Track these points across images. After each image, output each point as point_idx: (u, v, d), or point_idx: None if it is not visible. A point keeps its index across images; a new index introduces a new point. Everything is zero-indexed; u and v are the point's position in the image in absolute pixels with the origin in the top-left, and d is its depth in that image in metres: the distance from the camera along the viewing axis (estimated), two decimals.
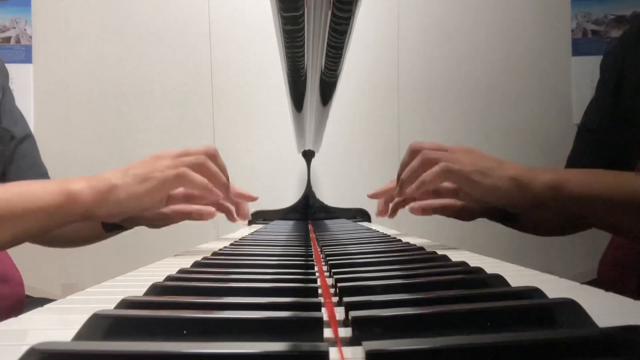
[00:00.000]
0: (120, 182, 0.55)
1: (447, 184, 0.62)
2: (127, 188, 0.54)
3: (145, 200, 0.55)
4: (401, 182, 0.60)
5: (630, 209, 0.54)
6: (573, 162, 0.99)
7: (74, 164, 1.41)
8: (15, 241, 0.54)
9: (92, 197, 0.53)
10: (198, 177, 0.56)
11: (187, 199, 0.63)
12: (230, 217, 0.69)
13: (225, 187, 0.59)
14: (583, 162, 0.96)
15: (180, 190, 0.61)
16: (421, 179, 0.57)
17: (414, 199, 0.86)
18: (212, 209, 0.66)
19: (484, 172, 0.57)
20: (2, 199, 0.51)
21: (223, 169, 0.60)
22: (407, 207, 0.82)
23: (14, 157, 0.93)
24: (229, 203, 0.67)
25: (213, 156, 0.59)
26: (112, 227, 0.68)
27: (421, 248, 0.52)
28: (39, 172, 0.99)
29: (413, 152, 0.60)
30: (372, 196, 0.85)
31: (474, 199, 0.60)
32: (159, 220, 0.67)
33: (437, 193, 0.64)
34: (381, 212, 0.84)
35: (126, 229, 0.70)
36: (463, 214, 0.69)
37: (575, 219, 0.69)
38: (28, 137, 0.97)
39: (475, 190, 0.57)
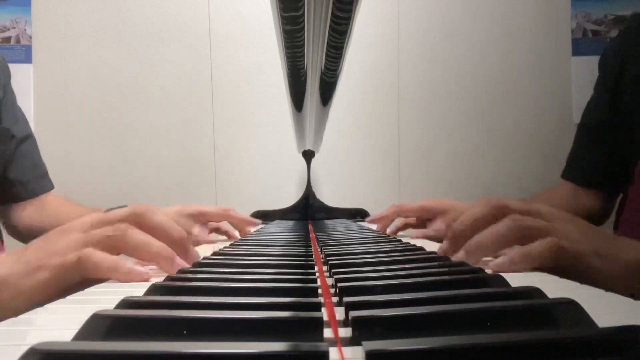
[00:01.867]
0: (7, 273, 0.39)
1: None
2: (12, 283, 0.39)
3: (36, 298, 0.38)
4: (471, 247, 0.43)
5: None
6: (573, 160, 0.99)
7: (74, 164, 1.41)
8: None
9: None
10: (106, 260, 0.39)
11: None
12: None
13: (157, 257, 0.42)
14: (583, 160, 0.96)
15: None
16: (521, 255, 0.41)
17: (411, 224, 0.86)
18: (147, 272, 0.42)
19: (601, 255, 0.42)
20: None
21: (161, 228, 0.44)
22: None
23: (15, 156, 0.93)
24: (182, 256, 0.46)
25: (140, 216, 0.43)
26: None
27: (421, 248, 0.52)
28: (39, 172, 0.99)
29: (495, 208, 0.44)
30: (372, 222, 0.86)
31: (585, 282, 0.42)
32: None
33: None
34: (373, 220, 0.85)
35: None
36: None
37: None
38: (29, 136, 0.97)
39: (588, 276, 0.41)
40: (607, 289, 0.42)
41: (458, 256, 0.44)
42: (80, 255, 0.39)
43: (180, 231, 0.45)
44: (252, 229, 0.85)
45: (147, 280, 0.40)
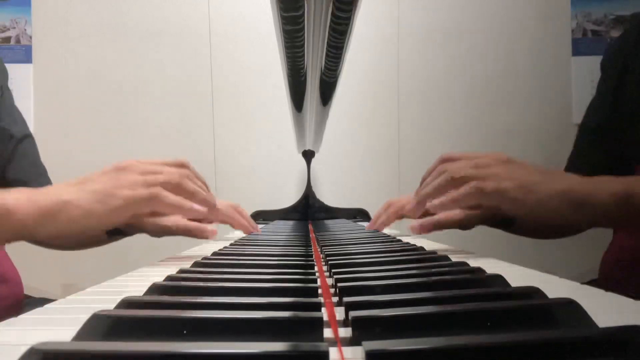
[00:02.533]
0: (74, 197, 0.46)
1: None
2: (82, 205, 0.46)
3: (106, 221, 0.48)
4: (420, 198, 0.53)
5: None
6: (574, 161, 0.99)
7: (74, 164, 1.41)
8: None
9: (32, 214, 0.44)
10: (172, 198, 0.48)
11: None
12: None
13: (206, 203, 0.52)
14: (584, 161, 0.96)
15: None
16: (449, 198, 0.50)
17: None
18: (214, 228, 0.59)
19: (528, 188, 0.47)
20: None
21: (200, 181, 0.54)
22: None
23: (13, 157, 0.93)
24: (215, 217, 0.61)
25: (186, 169, 0.53)
26: (114, 232, 0.66)
27: (421, 248, 0.52)
28: (38, 172, 0.99)
29: (440, 167, 0.53)
30: (370, 227, 0.85)
31: (516, 216, 0.51)
32: (159, 233, 0.62)
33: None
34: (372, 226, 0.85)
35: (128, 234, 0.67)
36: (464, 223, 0.62)
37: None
38: (27, 137, 0.97)
39: (517, 210, 0.49)
40: (528, 221, 0.49)
41: (413, 204, 0.55)
42: (151, 192, 0.48)
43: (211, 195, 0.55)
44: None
45: (205, 219, 0.54)
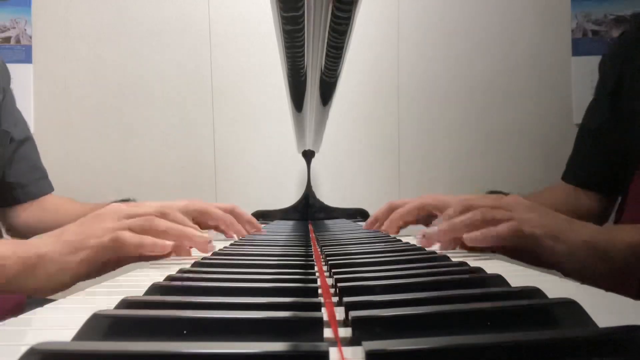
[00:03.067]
0: (50, 249, 0.46)
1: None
2: (56, 258, 0.46)
3: (79, 273, 0.48)
4: (450, 228, 0.52)
5: None
6: (574, 162, 0.99)
7: (74, 164, 1.41)
8: None
9: (17, 268, 0.45)
10: (133, 238, 0.48)
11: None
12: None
13: (179, 237, 0.51)
14: (584, 163, 0.96)
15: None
16: (485, 233, 0.49)
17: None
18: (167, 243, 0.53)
19: (557, 236, 0.48)
20: None
21: (181, 223, 0.53)
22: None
23: (14, 159, 0.93)
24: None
25: (165, 214, 0.52)
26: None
27: (421, 248, 0.52)
28: (39, 174, 0.99)
29: (466, 208, 0.52)
30: (368, 227, 0.85)
31: (543, 264, 0.52)
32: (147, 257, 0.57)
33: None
34: (369, 226, 0.84)
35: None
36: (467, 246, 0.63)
37: None
38: (28, 139, 0.97)
39: (548, 257, 0.49)
40: (564, 268, 0.49)
41: (431, 230, 0.54)
42: (112, 236, 0.48)
43: (195, 229, 0.55)
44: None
45: (168, 252, 0.50)
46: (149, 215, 0.51)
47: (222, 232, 0.88)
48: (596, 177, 0.93)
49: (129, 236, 0.48)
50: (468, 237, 0.50)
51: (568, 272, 0.50)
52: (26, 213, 0.95)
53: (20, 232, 0.95)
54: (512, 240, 0.49)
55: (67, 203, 0.99)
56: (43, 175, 1.00)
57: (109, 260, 0.50)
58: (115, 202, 0.83)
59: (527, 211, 0.50)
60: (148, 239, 0.49)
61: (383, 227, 0.80)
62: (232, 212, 0.80)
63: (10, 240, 0.49)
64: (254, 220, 0.83)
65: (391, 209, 0.81)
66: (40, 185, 0.98)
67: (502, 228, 0.49)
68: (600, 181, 0.93)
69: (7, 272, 0.45)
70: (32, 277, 0.46)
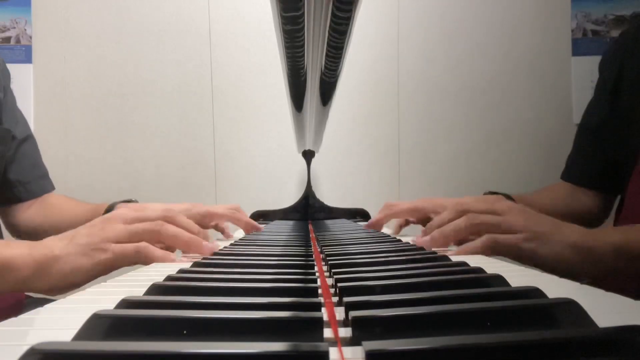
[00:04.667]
0: (64, 252, 0.48)
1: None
2: (71, 260, 0.48)
3: (94, 274, 0.50)
4: (436, 236, 0.55)
5: None
6: (574, 161, 1.00)
7: (74, 164, 1.41)
8: None
9: (31, 268, 0.47)
10: (158, 253, 0.50)
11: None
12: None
13: (189, 244, 0.54)
14: (583, 162, 0.96)
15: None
16: (463, 248, 0.52)
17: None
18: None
19: (540, 239, 0.50)
20: None
21: (186, 227, 0.55)
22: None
23: (15, 157, 0.93)
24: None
25: (171, 218, 0.55)
26: None
27: (421, 248, 0.52)
28: (40, 173, 0.99)
29: (459, 212, 0.56)
30: (368, 227, 0.86)
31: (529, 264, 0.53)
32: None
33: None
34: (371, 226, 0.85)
35: None
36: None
37: None
38: (29, 137, 0.97)
39: (529, 260, 0.51)
40: (549, 269, 0.50)
41: (424, 239, 0.56)
42: (138, 246, 0.50)
43: (202, 230, 0.58)
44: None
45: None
46: (157, 219, 0.53)
47: (222, 231, 0.89)
48: (595, 175, 0.94)
49: (153, 249, 0.51)
50: (456, 251, 0.53)
51: (551, 271, 0.51)
52: (27, 211, 0.95)
53: (21, 231, 0.95)
54: (490, 250, 0.52)
55: (68, 202, 0.99)
56: (44, 173, 1.00)
57: (124, 266, 0.52)
58: (118, 203, 0.83)
59: (515, 215, 0.53)
60: (172, 256, 0.52)
61: (380, 216, 0.82)
62: (234, 215, 0.82)
63: (25, 242, 0.49)
64: (254, 223, 0.83)
65: (387, 207, 0.83)
66: (41, 183, 0.98)
67: (479, 242, 0.52)
68: (600, 180, 0.93)
69: (22, 273, 0.47)
70: (47, 277, 0.47)
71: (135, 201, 0.87)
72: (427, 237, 0.56)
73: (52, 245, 0.49)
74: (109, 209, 0.81)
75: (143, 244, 0.50)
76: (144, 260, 0.50)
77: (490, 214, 0.54)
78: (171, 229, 0.53)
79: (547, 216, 0.54)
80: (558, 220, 0.53)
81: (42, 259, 0.47)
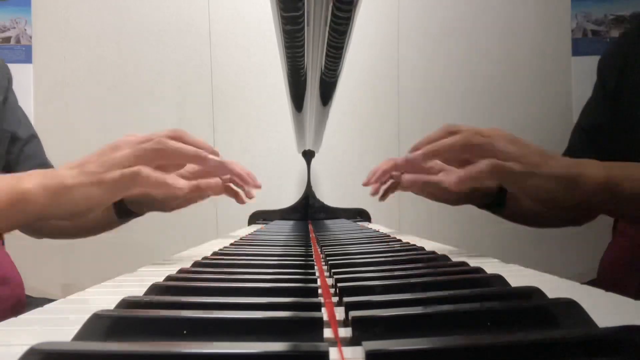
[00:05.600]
0: (76, 181, 0.49)
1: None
2: (82, 189, 0.49)
3: (105, 201, 0.51)
4: (429, 152, 0.52)
5: None
6: None
7: None
8: None
9: (45, 198, 0.49)
10: (153, 176, 0.50)
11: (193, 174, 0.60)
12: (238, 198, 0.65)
13: (195, 158, 0.53)
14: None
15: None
16: (466, 174, 0.49)
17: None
18: (217, 180, 0.60)
19: (530, 170, 0.50)
20: None
21: (193, 144, 0.55)
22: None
23: (20, 158, 0.93)
24: (222, 174, 0.61)
25: (178, 137, 0.54)
26: (125, 213, 0.67)
27: (421, 248, 0.52)
28: None
29: (448, 131, 0.53)
30: (367, 184, 0.84)
31: (511, 191, 0.53)
32: (170, 205, 0.65)
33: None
34: (374, 190, 0.83)
35: (139, 214, 0.68)
36: (448, 196, 0.66)
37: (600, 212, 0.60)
38: (33, 137, 0.97)
39: (517, 189, 0.51)
40: (531, 199, 0.50)
41: (416, 154, 0.53)
42: (134, 170, 0.50)
43: (211, 147, 0.57)
44: (253, 191, 0.70)
45: (183, 191, 0.51)
46: (161, 136, 0.53)
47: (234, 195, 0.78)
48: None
49: (149, 171, 0.50)
50: (451, 182, 0.49)
51: (536, 200, 0.52)
52: None
53: (29, 229, 0.95)
54: (494, 178, 0.50)
55: None
56: None
57: (132, 191, 0.52)
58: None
59: (506, 142, 0.51)
60: (168, 178, 0.51)
61: (375, 177, 0.77)
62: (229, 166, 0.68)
63: (38, 173, 0.51)
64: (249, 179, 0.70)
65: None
66: None
67: (483, 165, 0.49)
68: None
69: (37, 206, 0.49)
70: (61, 205, 0.49)
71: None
72: (419, 152, 0.53)
73: (63, 175, 0.50)
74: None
75: (140, 166, 0.50)
76: (141, 184, 0.50)
77: (480, 135, 0.52)
78: (175, 143, 0.52)
79: (535, 145, 0.54)
80: (545, 151, 0.53)
81: (55, 190, 0.49)
